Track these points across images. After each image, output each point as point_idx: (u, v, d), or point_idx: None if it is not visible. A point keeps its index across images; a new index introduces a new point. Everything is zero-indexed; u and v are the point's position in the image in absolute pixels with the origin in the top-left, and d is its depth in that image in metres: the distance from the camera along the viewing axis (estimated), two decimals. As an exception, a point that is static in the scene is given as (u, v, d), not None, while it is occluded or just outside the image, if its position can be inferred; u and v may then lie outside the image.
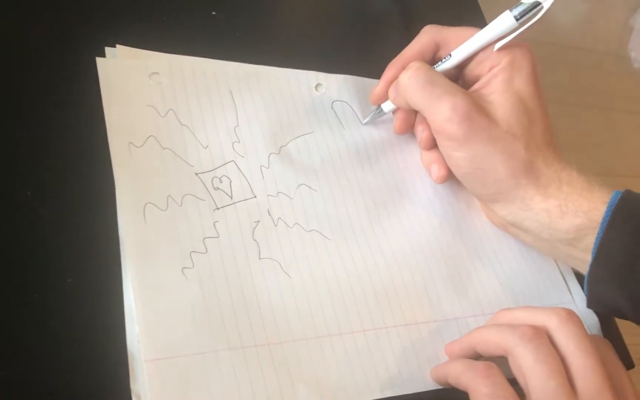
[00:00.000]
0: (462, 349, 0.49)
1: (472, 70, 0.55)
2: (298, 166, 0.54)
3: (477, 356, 0.48)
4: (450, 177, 0.56)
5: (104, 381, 0.41)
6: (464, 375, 0.45)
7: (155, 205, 0.47)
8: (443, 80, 0.52)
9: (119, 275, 0.45)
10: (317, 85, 0.59)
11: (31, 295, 0.42)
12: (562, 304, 0.56)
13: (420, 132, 0.57)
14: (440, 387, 0.48)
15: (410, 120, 0.58)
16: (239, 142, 0.53)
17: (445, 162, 0.55)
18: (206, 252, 0.47)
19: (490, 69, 0.54)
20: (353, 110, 0.59)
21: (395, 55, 0.58)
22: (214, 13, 0.60)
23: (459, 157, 0.52)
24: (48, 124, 0.49)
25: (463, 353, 0.49)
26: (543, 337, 0.44)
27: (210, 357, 0.44)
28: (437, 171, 0.56)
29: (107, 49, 0.53)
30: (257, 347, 0.45)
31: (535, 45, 0.55)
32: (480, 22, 0.73)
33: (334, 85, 0.60)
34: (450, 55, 0.55)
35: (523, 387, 0.43)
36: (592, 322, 0.56)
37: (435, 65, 0.56)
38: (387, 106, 0.57)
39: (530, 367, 0.43)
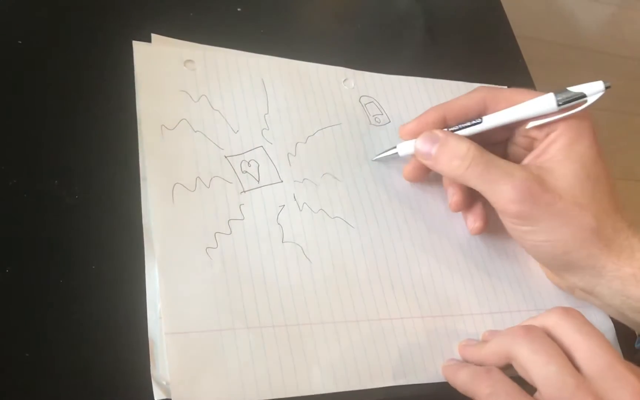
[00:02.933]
0: (470, 358, 0.49)
1: (526, 133, 0.52)
2: (324, 156, 0.54)
3: None
4: None
5: (124, 366, 0.42)
6: (468, 385, 0.45)
7: (184, 186, 0.48)
8: (498, 161, 0.50)
9: (142, 263, 0.45)
10: (345, 80, 0.59)
11: (56, 281, 0.43)
12: (578, 308, 0.56)
13: (452, 194, 0.54)
14: None
15: (425, 172, 0.55)
16: (268, 129, 0.54)
17: (481, 214, 0.54)
18: (230, 233, 0.48)
19: (548, 135, 0.51)
20: (380, 106, 0.59)
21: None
22: (239, 9, 0.60)
23: (525, 231, 0.50)
24: (75, 114, 0.49)
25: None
26: (535, 331, 0.43)
27: (229, 334, 0.44)
28: (473, 223, 0.54)
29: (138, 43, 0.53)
30: (275, 327, 0.45)
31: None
32: (504, 24, 0.73)
33: (362, 82, 0.60)
34: (481, 119, 0.52)
35: (531, 383, 0.43)
36: (607, 327, 0.55)
37: (463, 124, 0.53)
38: (404, 150, 0.54)
39: (528, 359, 0.42)
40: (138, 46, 0.52)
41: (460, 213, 0.56)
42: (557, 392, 0.41)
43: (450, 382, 0.47)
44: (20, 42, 0.50)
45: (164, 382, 0.41)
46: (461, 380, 0.46)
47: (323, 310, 0.47)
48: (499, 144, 0.54)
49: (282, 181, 0.52)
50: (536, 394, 0.42)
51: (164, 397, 0.41)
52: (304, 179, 0.52)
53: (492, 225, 0.57)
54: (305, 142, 0.54)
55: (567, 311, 0.44)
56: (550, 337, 0.43)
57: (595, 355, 0.41)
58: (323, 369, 0.45)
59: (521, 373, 0.44)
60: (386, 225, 0.53)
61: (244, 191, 0.50)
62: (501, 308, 0.53)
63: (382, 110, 0.59)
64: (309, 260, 0.49)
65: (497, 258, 0.56)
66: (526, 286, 0.55)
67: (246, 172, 0.51)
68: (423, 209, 0.55)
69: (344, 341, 0.47)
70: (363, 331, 0.48)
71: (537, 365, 0.42)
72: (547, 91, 0.51)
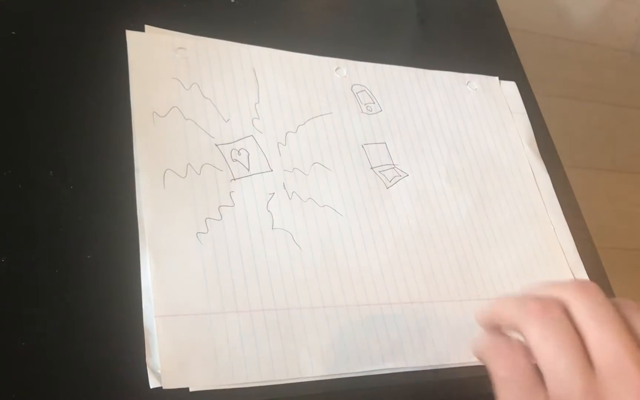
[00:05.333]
0: (485, 318, 0.42)
1: None
2: (314, 145, 0.54)
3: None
4: (464, 171, 0.55)
5: (120, 355, 0.41)
6: (486, 355, 0.39)
7: (174, 172, 0.48)
8: None
9: (136, 253, 0.45)
10: (338, 69, 0.59)
11: (51, 270, 0.42)
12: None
13: None
14: (442, 366, 0.48)
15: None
16: (259, 118, 0.53)
17: None
18: (221, 219, 0.47)
19: None
20: (371, 95, 0.59)
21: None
22: (232, 0, 0.60)
23: None
24: (69, 104, 0.48)
25: (487, 323, 0.42)
26: (552, 311, 0.38)
27: (218, 317, 0.44)
28: None
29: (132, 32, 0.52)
30: (264, 311, 0.45)
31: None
32: (496, 16, 0.73)
33: (354, 71, 0.60)
34: None
35: (538, 366, 0.38)
36: None
37: None
38: None
39: (537, 345, 0.37)
40: (131, 35, 0.52)
41: (450, 200, 0.56)
42: (563, 392, 0.36)
43: (486, 319, 0.41)
44: (14, 32, 0.50)
45: (159, 371, 0.41)
46: (479, 348, 0.40)
47: (313, 295, 0.47)
48: None
49: (271, 170, 0.51)
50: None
51: (159, 386, 0.41)
52: (293, 169, 0.52)
53: (484, 213, 0.56)
54: (296, 132, 0.54)
55: (584, 288, 0.38)
56: (565, 313, 0.38)
57: (605, 347, 0.36)
58: (312, 353, 0.45)
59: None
60: (375, 213, 0.53)
61: (234, 179, 0.50)
62: (489, 295, 0.53)
63: (374, 99, 0.59)
64: (298, 246, 0.49)
65: (486, 246, 0.55)
66: (514, 274, 0.55)
67: (236, 160, 0.50)
68: (412, 197, 0.55)
69: (333, 326, 0.47)
70: (352, 316, 0.48)
71: (545, 355, 0.37)
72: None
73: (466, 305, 0.52)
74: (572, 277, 0.57)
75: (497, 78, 0.66)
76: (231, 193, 0.49)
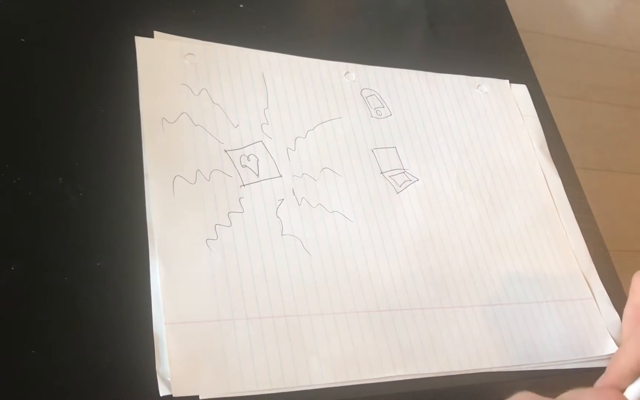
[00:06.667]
0: None
1: None
2: (323, 150, 0.54)
3: None
4: (474, 174, 0.55)
5: (130, 363, 0.41)
6: None
7: (184, 179, 0.48)
8: None
9: (146, 260, 0.44)
10: (347, 73, 0.59)
11: (61, 278, 0.42)
12: (581, 300, 0.55)
13: None
14: (453, 372, 0.47)
15: None
16: (268, 124, 0.53)
17: None
18: (230, 225, 0.47)
19: None
20: (381, 99, 0.59)
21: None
22: (241, 6, 0.59)
23: None
24: (79, 111, 0.48)
25: None
26: None
27: (228, 325, 0.44)
28: None
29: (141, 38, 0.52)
30: (274, 318, 0.45)
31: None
32: (506, 18, 0.73)
33: (363, 75, 0.59)
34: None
35: None
36: (613, 320, 0.55)
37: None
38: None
39: None
40: (140, 41, 0.52)
41: (461, 204, 0.56)
42: None
43: None
44: (23, 40, 0.50)
45: (169, 378, 0.41)
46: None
47: (322, 302, 0.47)
48: None
49: (281, 176, 0.51)
50: None
51: (169, 393, 0.40)
52: (302, 174, 0.52)
53: (495, 217, 0.56)
54: (305, 137, 0.54)
55: None
56: None
57: None
58: (322, 360, 0.45)
59: None
60: (385, 218, 0.52)
61: (244, 185, 0.49)
62: (501, 300, 0.52)
63: (384, 103, 0.58)
64: (308, 253, 0.48)
65: (497, 250, 0.55)
66: (526, 279, 0.54)
67: (246, 166, 0.50)
68: (422, 202, 0.55)
69: (343, 332, 0.46)
70: (362, 323, 0.47)
71: None
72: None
73: (477, 311, 0.51)
74: (584, 279, 0.56)
75: (507, 81, 0.66)
76: (240, 199, 0.49)
